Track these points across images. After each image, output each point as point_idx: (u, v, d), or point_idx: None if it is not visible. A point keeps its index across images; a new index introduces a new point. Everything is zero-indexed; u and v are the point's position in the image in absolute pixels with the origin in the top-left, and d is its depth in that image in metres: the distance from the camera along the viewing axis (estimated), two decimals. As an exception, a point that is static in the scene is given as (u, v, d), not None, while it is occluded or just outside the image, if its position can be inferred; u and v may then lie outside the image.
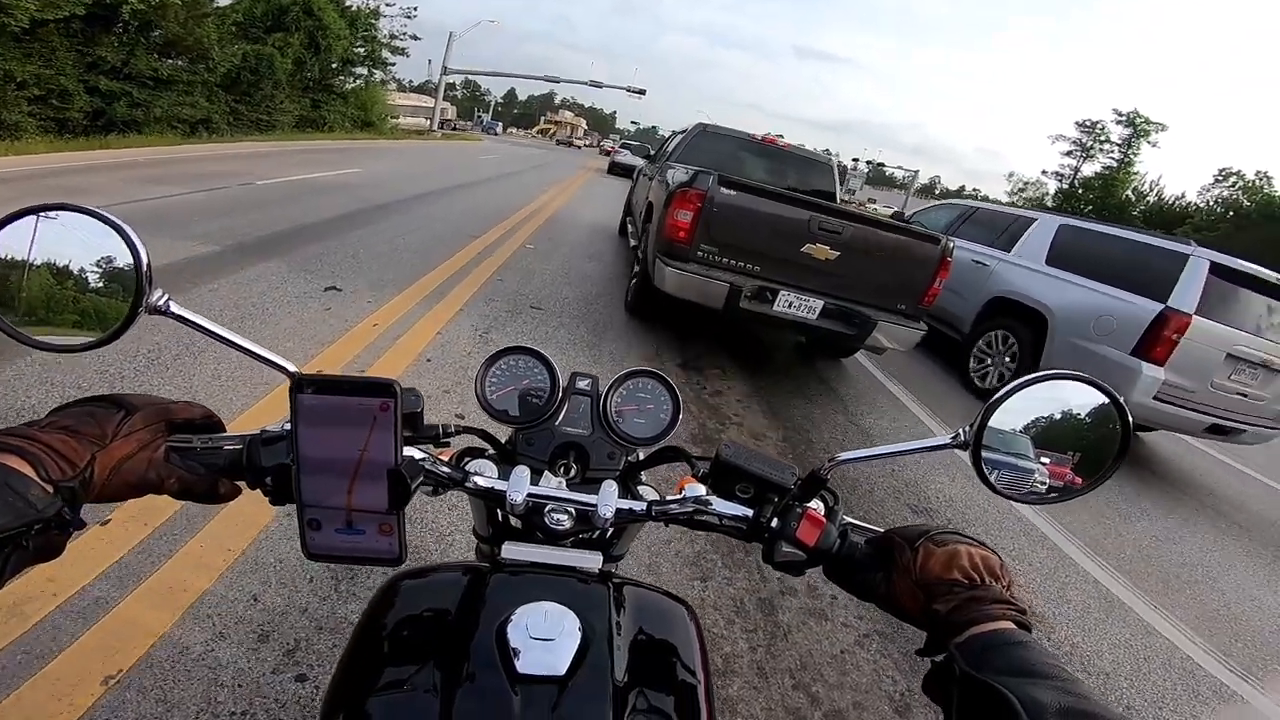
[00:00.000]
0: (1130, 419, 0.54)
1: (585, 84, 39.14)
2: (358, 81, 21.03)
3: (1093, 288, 4.58)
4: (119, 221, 0.48)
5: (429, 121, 35.90)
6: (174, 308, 0.49)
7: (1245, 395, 4.22)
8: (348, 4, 19.47)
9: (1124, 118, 36.52)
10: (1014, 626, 0.46)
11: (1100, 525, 3.40)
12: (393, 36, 21.93)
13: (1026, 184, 42.17)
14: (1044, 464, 0.57)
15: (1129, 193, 32.68)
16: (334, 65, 19.20)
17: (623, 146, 28.60)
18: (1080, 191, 35.68)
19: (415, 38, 22.73)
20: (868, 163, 62.07)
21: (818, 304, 3.74)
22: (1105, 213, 29.34)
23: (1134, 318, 4.17)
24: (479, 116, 73.28)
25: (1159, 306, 4.09)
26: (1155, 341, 4.03)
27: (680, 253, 3.77)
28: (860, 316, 3.77)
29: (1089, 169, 39.04)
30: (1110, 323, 4.33)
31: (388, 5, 21.65)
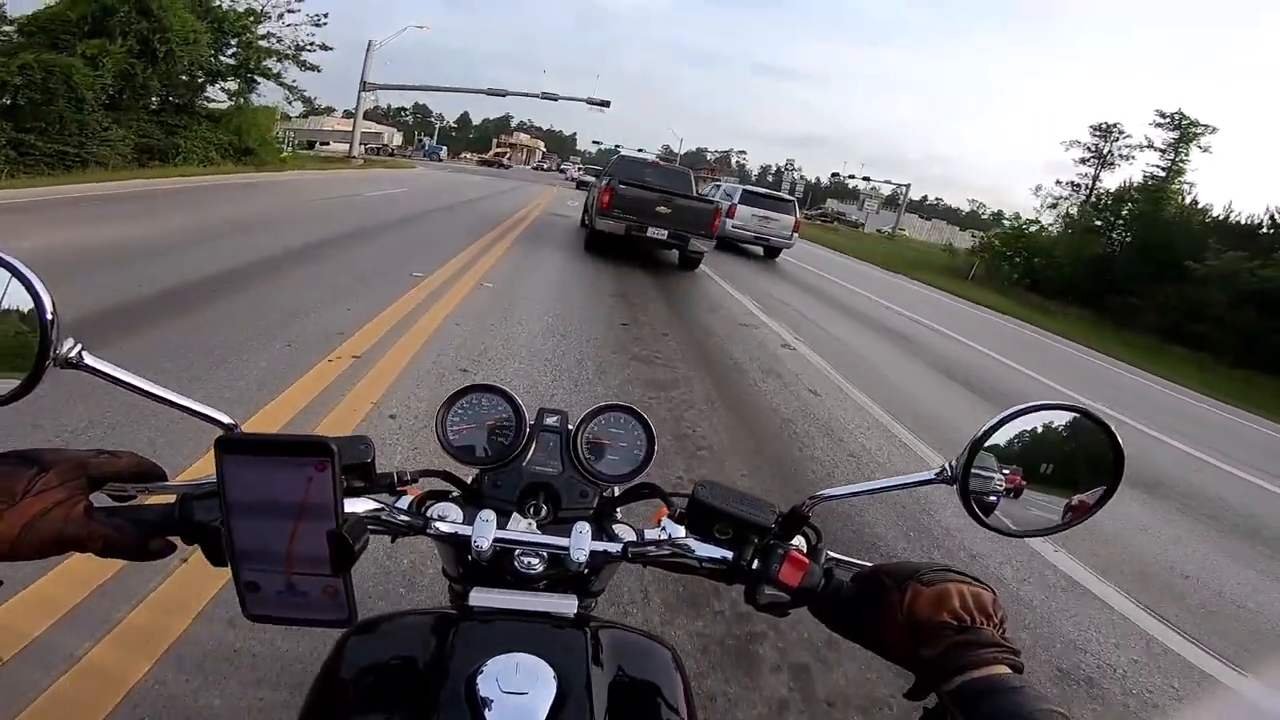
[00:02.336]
0: (1122, 447, 0.53)
1: (538, 97, 32.59)
2: (237, 99, 16.98)
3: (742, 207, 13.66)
4: (13, 261, 0.45)
5: (349, 147, 29.92)
6: (88, 359, 0.46)
7: (764, 229, 13.62)
8: (215, 3, 15.89)
9: (1168, 119, 29.39)
10: (1008, 670, 0.45)
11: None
12: (299, 48, 18.23)
13: (1058, 200, 33.92)
14: (1034, 495, 0.56)
15: (1180, 206, 25.95)
16: (185, 78, 15.35)
17: (586, 172, 35.63)
18: (1112, 203, 28.19)
19: (325, 48, 18.83)
20: (899, 186, 58.87)
21: (664, 232, 8.50)
22: (1154, 230, 23.47)
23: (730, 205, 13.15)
24: (420, 140, 67.35)
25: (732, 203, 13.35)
26: (731, 213, 12.82)
27: (604, 212, 8.41)
28: (683, 237, 8.60)
29: (1108, 179, 32.05)
30: (737, 210, 13.50)
31: (290, 11, 17.83)
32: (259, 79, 17.25)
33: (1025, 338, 12.43)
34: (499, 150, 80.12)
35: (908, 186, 58.26)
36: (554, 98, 32.74)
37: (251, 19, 16.75)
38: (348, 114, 43.63)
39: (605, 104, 34.06)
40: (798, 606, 0.56)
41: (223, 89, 16.84)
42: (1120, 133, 33.71)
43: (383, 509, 0.56)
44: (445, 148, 61.26)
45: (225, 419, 0.50)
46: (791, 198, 16.16)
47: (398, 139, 63.03)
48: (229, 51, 16.54)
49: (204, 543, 0.49)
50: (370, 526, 0.52)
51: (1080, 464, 0.56)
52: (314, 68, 18.78)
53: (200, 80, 16.17)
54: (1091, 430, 0.54)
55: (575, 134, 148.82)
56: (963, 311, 14.14)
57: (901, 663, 0.50)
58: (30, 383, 0.45)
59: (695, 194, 9.56)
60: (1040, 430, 0.54)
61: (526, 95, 34.48)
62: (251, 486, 0.44)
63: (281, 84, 17.98)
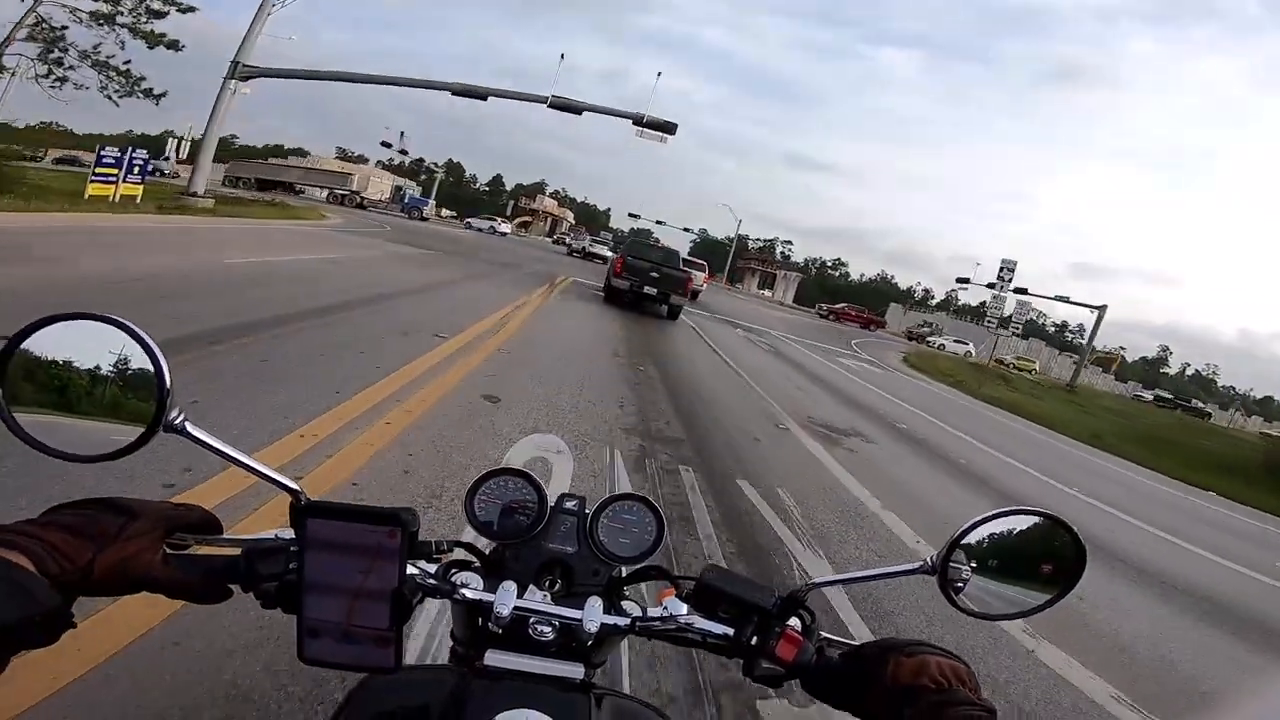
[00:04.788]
0: (1084, 547, 0.60)
1: (541, 102, 18.74)
2: None
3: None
4: (145, 336, 0.49)
5: (190, 178, 17.59)
6: (189, 427, 0.51)
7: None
8: None
9: None
10: None
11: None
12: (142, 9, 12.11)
13: None
14: (1004, 584, 0.62)
15: None
16: None
17: (593, 244, 39.03)
18: None
19: (188, 9, 13.80)
20: (1092, 307, 32.33)
21: (654, 290, 13.31)
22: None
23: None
24: (403, 192, 51.37)
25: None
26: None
27: (617, 275, 13.33)
28: (666, 294, 13.41)
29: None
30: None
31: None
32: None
33: None
34: (522, 218, 68.22)
35: (1101, 310, 32.71)
36: (573, 108, 19.29)
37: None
38: (353, 157, 41.92)
39: (668, 129, 19.54)
40: (790, 679, 0.62)
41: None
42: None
43: (418, 574, 0.61)
44: (432, 202, 48.31)
45: (295, 485, 0.56)
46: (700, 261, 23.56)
47: (384, 187, 51.64)
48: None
49: (261, 591, 0.55)
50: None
51: (1044, 556, 0.62)
52: (172, 44, 12.75)
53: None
54: (1057, 531, 0.61)
55: (610, 209, 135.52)
56: None
57: None
58: (141, 442, 0.50)
59: (678, 266, 14.40)
60: (1012, 531, 0.61)
61: (521, 98, 19.92)
62: (327, 546, 0.51)
63: (95, 64, 11.61)
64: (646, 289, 13.27)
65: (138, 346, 0.49)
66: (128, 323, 0.49)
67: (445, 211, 57.71)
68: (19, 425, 0.48)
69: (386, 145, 56.47)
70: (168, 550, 0.53)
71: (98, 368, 0.50)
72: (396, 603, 0.52)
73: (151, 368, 0.49)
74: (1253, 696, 0.59)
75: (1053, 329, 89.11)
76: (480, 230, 42.67)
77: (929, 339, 43.63)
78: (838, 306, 45.62)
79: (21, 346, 0.48)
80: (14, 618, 0.41)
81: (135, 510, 0.51)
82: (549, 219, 76.75)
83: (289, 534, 0.56)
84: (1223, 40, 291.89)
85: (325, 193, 44.96)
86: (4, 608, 0.40)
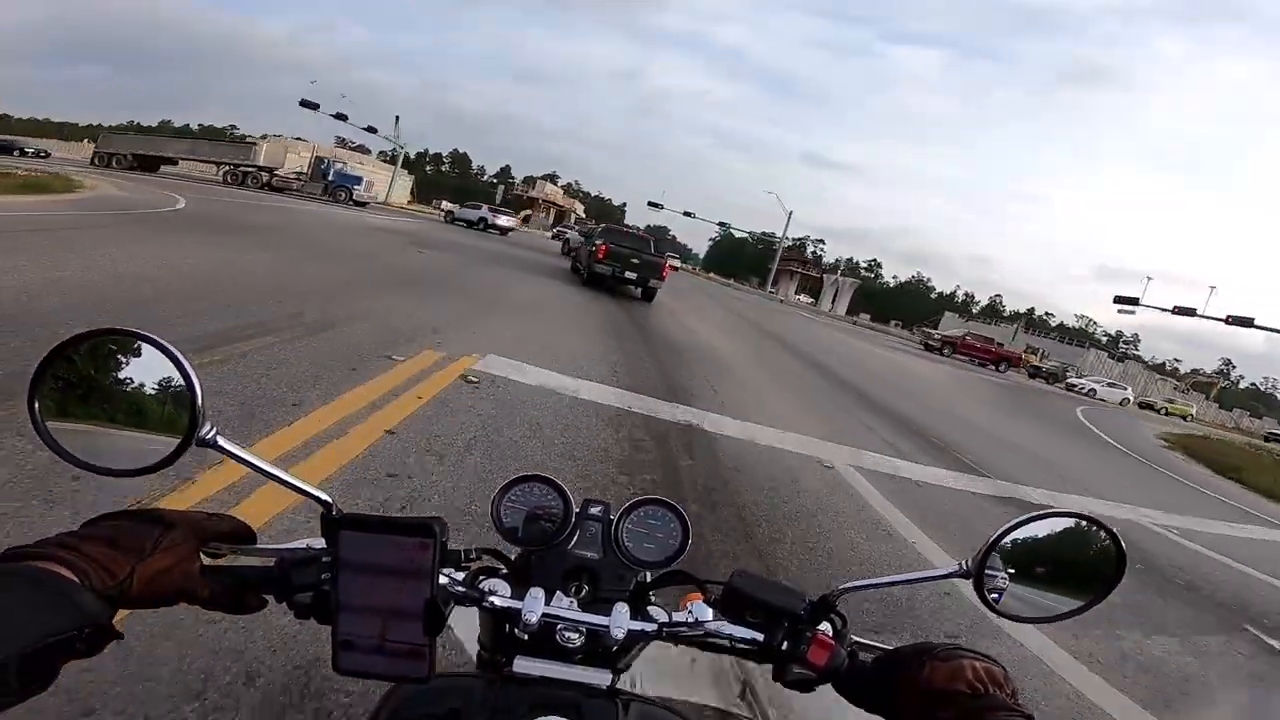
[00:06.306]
0: (1124, 546, 0.59)
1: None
2: None
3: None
4: (176, 352, 0.50)
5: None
6: (221, 441, 0.52)
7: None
8: None
9: None
10: None
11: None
12: None
13: None
14: (1041, 588, 0.62)
15: None
16: None
17: (576, 234, 28.35)
18: None
19: None
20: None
21: (635, 275, 14.67)
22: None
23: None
24: (325, 164, 34.36)
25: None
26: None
27: (599, 261, 14.68)
28: (645, 277, 14.78)
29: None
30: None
31: None
32: None
33: None
34: (525, 212, 55.13)
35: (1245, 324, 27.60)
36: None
37: None
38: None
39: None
40: (822, 684, 0.61)
41: None
42: None
43: (448, 582, 0.61)
44: (364, 179, 34.18)
45: (326, 498, 0.56)
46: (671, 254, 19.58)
47: (302, 161, 35.37)
48: None
49: (296, 601, 0.56)
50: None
51: (1083, 558, 0.61)
52: None
53: None
54: (1096, 534, 0.60)
55: (625, 204, 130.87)
56: None
57: None
58: (175, 456, 0.51)
59: (656, 253, 15.70)
60: (1050, 534, 0.61)
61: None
62: (361, 557, 0.51)
63: None
64: (627, 274, 14.66)
65: (168, 362, 0.51)
66: (159, 339, 0.50)
67: (447, 203, 45.55)
68: (53, 438, 0.50)
69: (308, 105, 38.40)
70: (203, 564, 0.53)
71: (129, 382, 0.52)
72: (430, 613, 0.52)
73: (183, 382, 0.50)
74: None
75: (1104, 339, 79.43)
76: (471, 225, 30.33)
77: (1068, 380, 35.16)
78: (953, 335, 33.71)
79: (55, 362, 0.50)
80: (64, 630, 0.42)
81: (171, 521, 0.52)
82: (552, 210, 62.32)
83: (320, 543, 0.57)
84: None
85: (222, 170, 33.76)
86: (53, 621, 0.41)
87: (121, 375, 0.52)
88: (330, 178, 32.00)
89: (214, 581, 0.53)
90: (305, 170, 34.70)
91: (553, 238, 37.06)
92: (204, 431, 0.51)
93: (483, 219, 31.32)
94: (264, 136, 39.25)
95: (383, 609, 0.52)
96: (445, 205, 36.69)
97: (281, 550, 0.58)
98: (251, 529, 0.59)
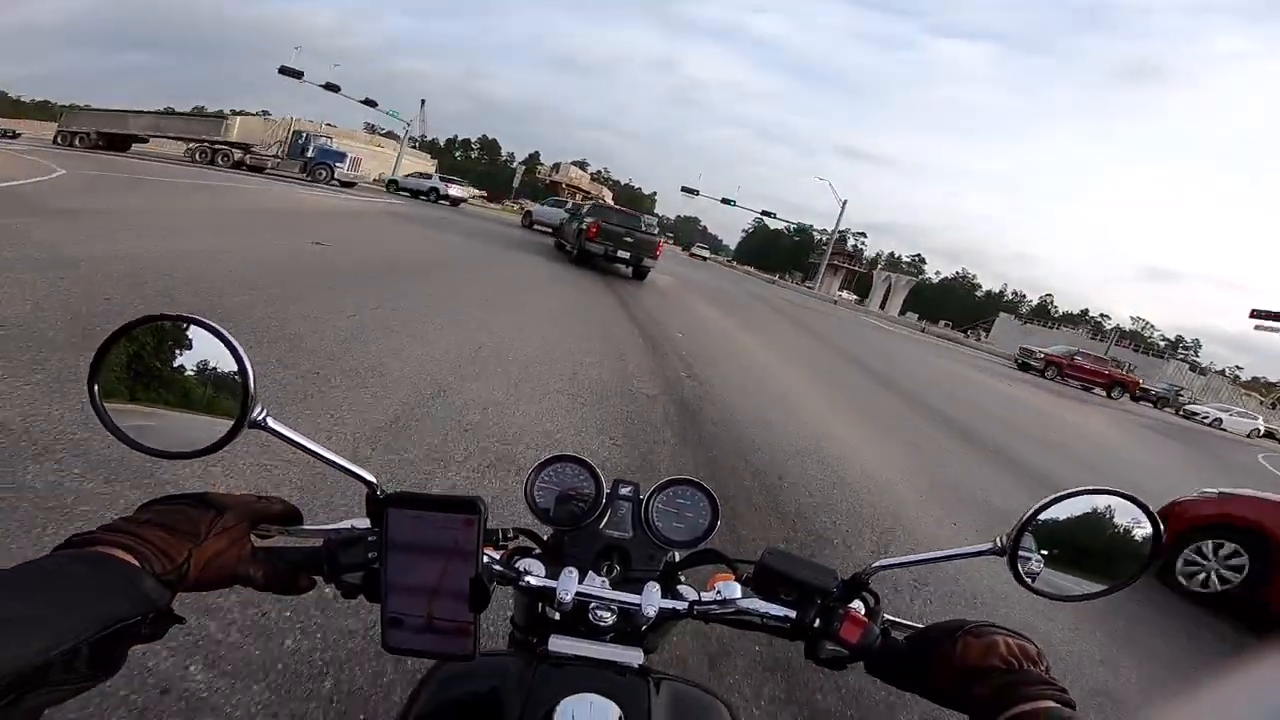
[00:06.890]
0: (1160, 525, 0.59)
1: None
2: None
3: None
4: (229, 336, 0.51)
5: None
6: (271, 423, 0.53)
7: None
8: None
9: None
10: (1057, 705, 0.48)
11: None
12: None
13: None
14: (1075, 565, 0.61)
15: None
16: None
17: (537, 208, 27.24)
18: None
19: None
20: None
21: (628, 254, 14.53)
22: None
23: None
24: (303, 139, 29.90)
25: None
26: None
27: (592, 240, 14.52)
28: (638, 256, 14.66)
29: None
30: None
31: None
32: None
33: None
34: (558, 197, 42.00)
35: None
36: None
37: None
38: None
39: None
40: (855, 662, 0.61)
41: None
42: None
43: (489, 561, 0.62)
44: (349, 156, 28.85)
45: (372, 478, 0.57)
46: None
47: (278, 137, 30.97)
48: None
49: (344, 581, 0.57)
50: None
51: (1118, 537, 0.60)
52: None
53: None
54: (1131, 510, 0.60)
55: (655, 193, 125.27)
56: None
57: (954, 706, 0.55)
58: (229, 438, 0.52)
59: (649, 231, 15.45)
60: (1086, 511, 0.60)
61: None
62: (407, 536, 0.52)
63: None
64: (620, 253, 14.45)
65: (222, 346, 0.51)
66: (212, 323, 0.51)
67: (474, 191, 43.86)
68: (111, 420, 0.52)
69: (289, 72, 36.43)
70: (254, 546, 0.54)
71: (183, 366, 0.53)
72: (475, 591, 0.52)
73: (235, 366, 0.51)
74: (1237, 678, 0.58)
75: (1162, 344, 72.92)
76: (416, 195, 27.04)
77: (1183, 405, 30.13)
78: (1058, 354, 26.58)
79: (112, 347, 0.52)
80: (131, 615, 0.42)
81: (223, 505, 0.53)
82: (576, 195, 52.12)
83: (364, 523, 0.59)
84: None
85: (186, 148, 30.67)
86: (121, 605, 0.42)
87: (176, 359, 0.53)
88: (309, 154, 28.35)
89: (266, 564, 0.54)
90: (280, 145, 30.26)
91: (522, 221, 28.28)
92: (256, 414, 0.52)
93: (434, 188, 29.00)
94: (236, 112, 36.77)
95: (429, 587, 0.53)
96: (388, 177, 32.49)
97: (328, 531, 0.59)
98: (299, 510, 0.59)
